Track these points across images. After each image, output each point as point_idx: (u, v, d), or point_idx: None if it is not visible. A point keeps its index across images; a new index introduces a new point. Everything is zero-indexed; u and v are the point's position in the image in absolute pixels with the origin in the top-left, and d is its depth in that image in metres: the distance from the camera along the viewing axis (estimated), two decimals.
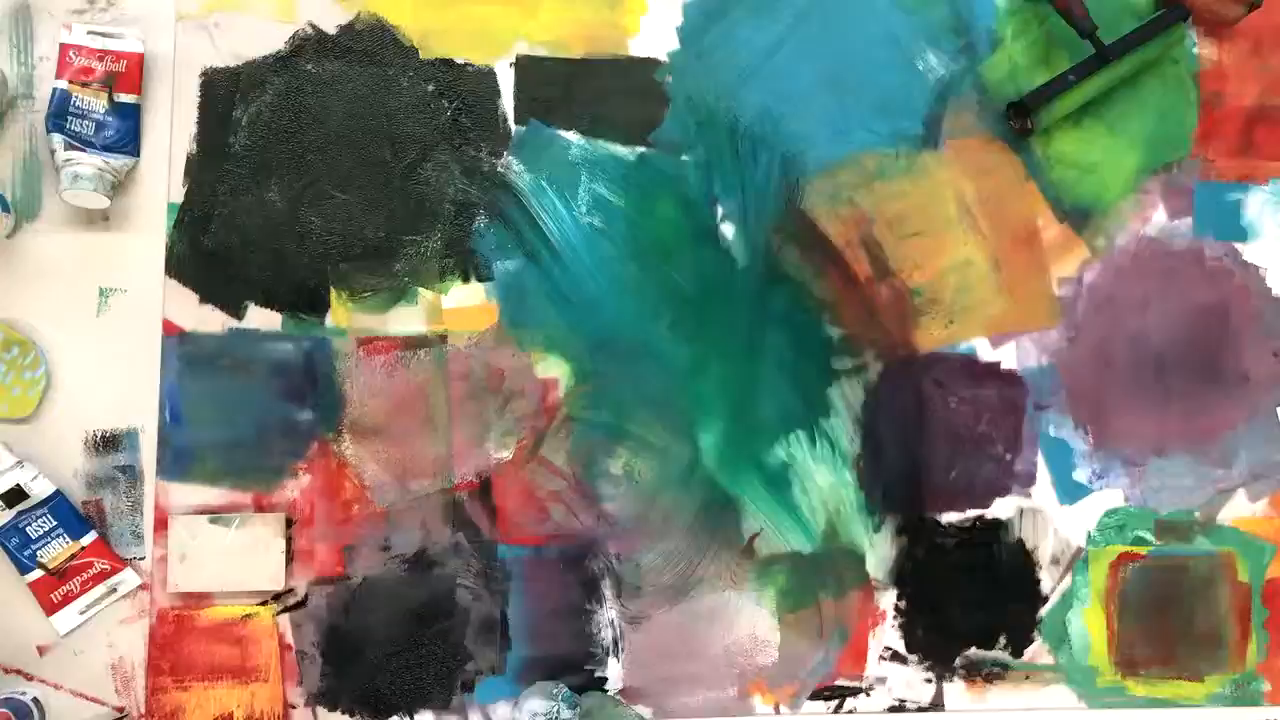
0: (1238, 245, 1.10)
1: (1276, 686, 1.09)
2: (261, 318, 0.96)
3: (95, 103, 0.91)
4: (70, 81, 0.91)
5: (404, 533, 0.97)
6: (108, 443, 0.94)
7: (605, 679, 1.00)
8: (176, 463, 0.95)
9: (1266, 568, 1.09)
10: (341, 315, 0.97)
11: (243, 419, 0.96)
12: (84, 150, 0.91)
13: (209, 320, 0.96)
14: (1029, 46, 1.07)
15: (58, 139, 0.90)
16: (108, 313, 0.94)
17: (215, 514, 0.95)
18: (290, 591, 0.96)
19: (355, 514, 0.97)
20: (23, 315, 0.94)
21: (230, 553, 0.94)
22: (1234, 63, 1.10)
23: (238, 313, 0.96)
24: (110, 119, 0.92)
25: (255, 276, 0.96)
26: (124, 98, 0.93)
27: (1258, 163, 1.11)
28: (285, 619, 0.96)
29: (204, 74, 0.96)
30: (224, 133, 0.95)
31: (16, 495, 0.89)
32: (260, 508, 0.96)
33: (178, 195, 0.95)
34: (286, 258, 0.96)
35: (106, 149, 0.91)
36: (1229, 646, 1.09)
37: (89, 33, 0.92)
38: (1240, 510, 1.09)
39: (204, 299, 0.96)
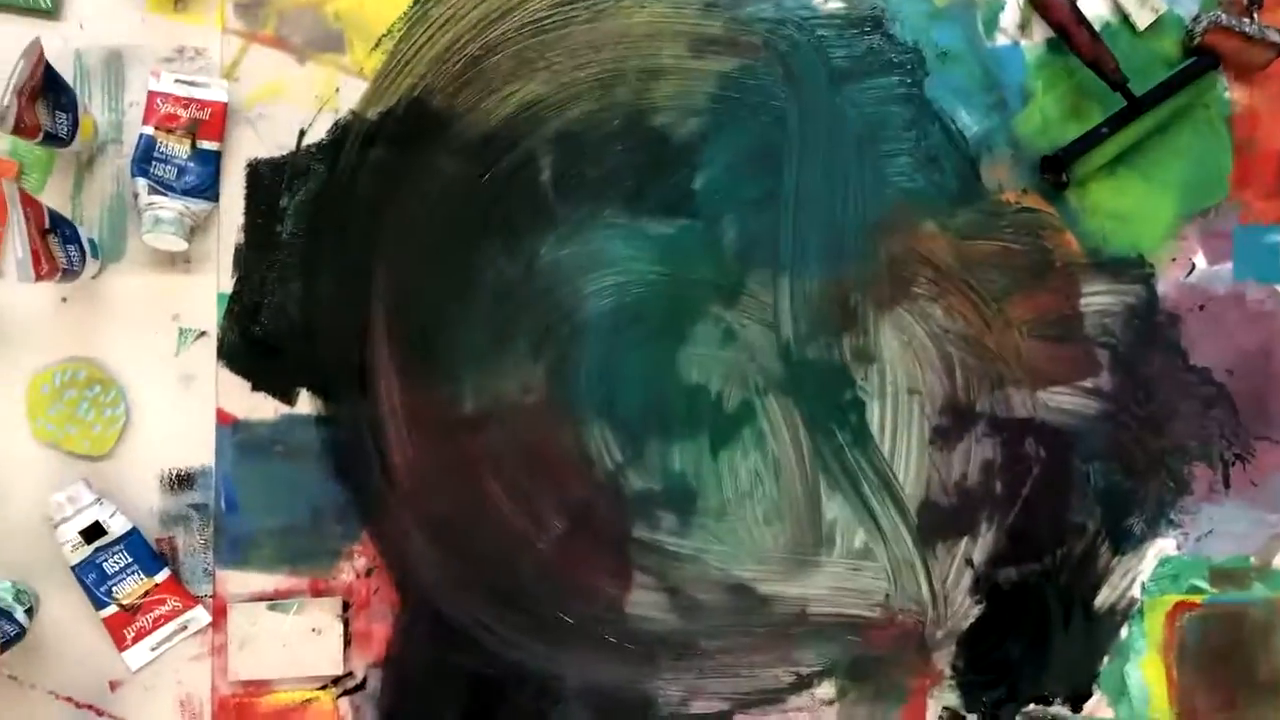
0: (1279, 287, 1.10)
1: None
2: (312, 402, 0.97)
3: (179, 148, 0.92)
4: (156, 127, 0.92)
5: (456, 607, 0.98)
6: (182, 481, 0.95)
7: None
8: (233, 550, 0.95)
9: None
10: (390, 397, 0.97)
11: (297, 504, 0.96)
12: (165, 194, 0.92)
13: (261, 407, 0.96)
14: (1059, 99, 1.06)
15: (141, 183, 0.91)
16: (187, 352, 0.95)
17: (273, 600, 0.95)
18: (349, 675, 0.96)
19: (410, 594, 0.97)
20: (105, 354, 0.94)
21: (289, 639, 0.95)
22: (1266, 106, 1.09)
23: (289, 398, 0.97)
24: (192, 164, 0.93)
25: (305, 362, 0.96)
26: (206, 144, 0.94)
27: None
28: (345, 702, 0.96)
29: (250, 165, 0.96)
30: (271, 222, 0.96)
31: (95, 532, 0.90)
32: (317, 592, 0.96)
33: (227, 285, 0.96)
34: (335, 342, 0.97)
35: (187, 193, 0.92)
36: None
37: (176, 80, 0.93)
38: None
39: (256, 386, 0.96)
